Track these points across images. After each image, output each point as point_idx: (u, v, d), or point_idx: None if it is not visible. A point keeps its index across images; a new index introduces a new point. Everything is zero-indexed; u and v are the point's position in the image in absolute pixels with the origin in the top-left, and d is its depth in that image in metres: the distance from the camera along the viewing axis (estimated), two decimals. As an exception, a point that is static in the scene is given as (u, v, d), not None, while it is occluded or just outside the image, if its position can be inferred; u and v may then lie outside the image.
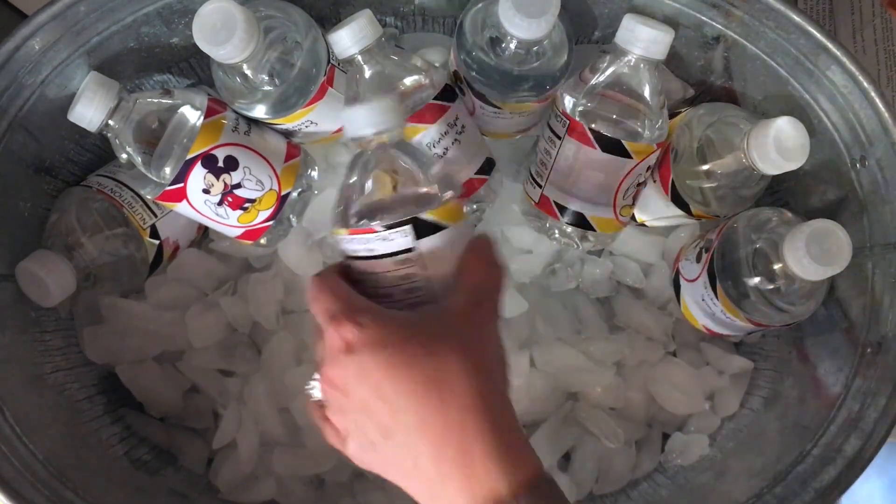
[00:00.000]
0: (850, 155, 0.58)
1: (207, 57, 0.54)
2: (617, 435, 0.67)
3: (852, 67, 0.55)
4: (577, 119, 0.57)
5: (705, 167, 0.60)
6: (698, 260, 0.63)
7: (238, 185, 0.58)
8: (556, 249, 0.69)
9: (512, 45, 0.55)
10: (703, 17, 0.58)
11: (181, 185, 0.57)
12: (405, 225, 0.43)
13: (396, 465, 0.42)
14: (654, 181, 0.61)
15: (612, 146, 0.56)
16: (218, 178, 0.57)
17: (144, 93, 0.58)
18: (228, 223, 0.60)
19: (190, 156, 0.56)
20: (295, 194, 0.62)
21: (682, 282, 0.65)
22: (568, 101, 0.58)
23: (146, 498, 0.64)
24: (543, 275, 0.70)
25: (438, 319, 0.42)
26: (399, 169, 0.46)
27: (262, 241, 0.62)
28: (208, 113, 0.57)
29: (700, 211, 0.61)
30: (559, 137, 0.58)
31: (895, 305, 0.57)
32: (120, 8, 0.56)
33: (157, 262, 0.63)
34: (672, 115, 0.61)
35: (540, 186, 0.60)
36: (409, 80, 0.58)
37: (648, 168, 0.59)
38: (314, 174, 0.65)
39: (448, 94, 0.59)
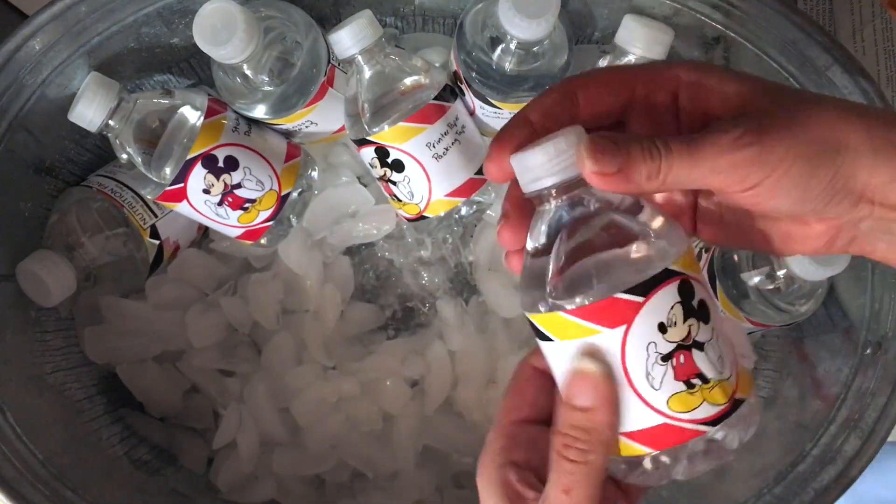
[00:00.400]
0: (849, 155, 0.58)
1: (207, 57, 0.54)
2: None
3: (852, 68, 0.55)
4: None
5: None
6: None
7: (238, 186, 0.58)
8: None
9: (512, 46, 0.55)
10: (703, 17, 0.58)
11: (181, 185, 0.57)
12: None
13: None
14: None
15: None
16: (218, 179, 0.57)
17: (145, 93, 0.58)
18: (228, 223, 0.60)
19: (190, 156, 0.56)
20: (295, 194, 0.62)
21: (682, 282, 0.65)
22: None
23: (146, 498, 0.64)
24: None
25: None
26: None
27: (263, 241, 0.62)
28: (208, 113, 0.57)
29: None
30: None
31: (895, 305, 0.57)
32: (120, 8, 0.56)
33: (157, 262, 0.63)
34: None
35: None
36: (409, 80, 0.58)
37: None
38: (314, 174, 0.65)
39: (448, 94, 0.59)
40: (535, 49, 0.56)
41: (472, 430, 0.67)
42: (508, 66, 0.56)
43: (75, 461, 0.59)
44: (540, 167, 0.33)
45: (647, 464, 0.34)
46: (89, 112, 0.55)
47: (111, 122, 0.56)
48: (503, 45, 0.56)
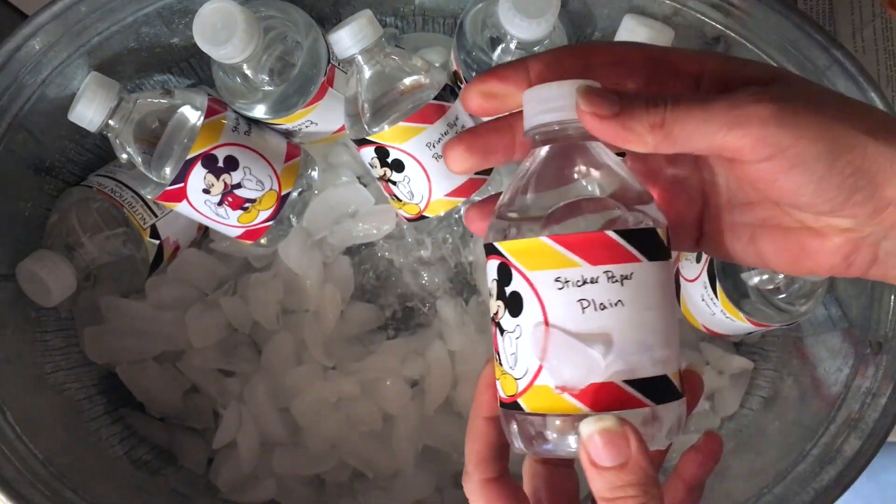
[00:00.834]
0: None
1: (207, 57, 0.54)
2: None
3: (852, 68, 0.55)
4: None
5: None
6: (698, 260, 0.63)
7: (238, 185, 0.58)
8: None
9: (512, 46, 0.55)
10: (703, 17, 0.58)
11: (181, 185, 0.57)
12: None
13: None
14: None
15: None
16: (218, 178, 0.57)
17: (144, 93, 0.58)
18: (228, 223, 0.60)
19: (190, 156, 0.56)
20: (295, 194, 0.62)
21: (682, 282, 0.65)
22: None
23: (146, 498, 0.63)
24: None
25: None
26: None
27: (263, 241, 0.62)
28: (208, 113, 0.57)
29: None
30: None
31: (895, 305, 0.57)
32: (120, 8, 0.56)
33: (157, 262, 0.63)
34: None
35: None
36: (408, 80, 0.58)
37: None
38: (314, 174, 0.65)
39: (448, 94, 0.59)
40: (535, 49, 0.56)
41: (472, 430, 0.67)
42: (508, 65, 0.56)
43: (75, 461, 0.59)
44: (554, 100, 0.33)
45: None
46: (89, 112, 0.55)
47: (111, 122, 0.56)
48: (503, 45, 0.56)
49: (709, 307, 0.62)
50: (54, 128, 0.60)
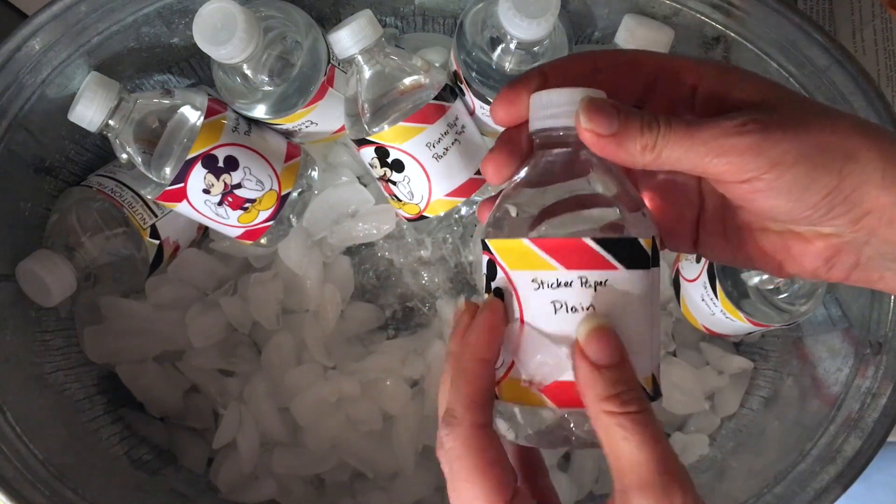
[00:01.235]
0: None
1: (207, 57, 0.54)
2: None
3: (852, 68, 0.55)
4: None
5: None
6: (698, 260, 0.63)
7: (238, 185, 0.58)
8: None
9: (512, 46, 0.55)
10: (703, 17, 0.58)
11: (181, 185, 0.57)
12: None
13: None
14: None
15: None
16: (218, 178, 0.57)
17: (145, 93, 0.58)
18: (228, 223, 0.60)
19: (190, 156, 0.56)
20: (295, 194, 0.62)
21: (682, 282, 0.65)
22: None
23: (146, 498, 0.63)
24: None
25: None
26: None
27: (263, 241, 0.62)
28: (208, 113, 0.57)
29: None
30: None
31: (895, 305, 0.57)
32: (120, 8, 0.56)
33: (157, 262, 0.63)
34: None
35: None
36: (408, 80, 0.58)
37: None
38: (314, 174, 0.65)
39: (448, 94, 0.59)
40: (535, 49, 0.56)
41: (472, 430, 0.67)
42: (508, 66, 0.56)
43: (75, 461, 0.59)
44: (558, 106, 0.34)
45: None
46: (89, 112, 0.55)
47: (111, 122, 0.56)
48: (503, 45, 0.56)
49: (709, 307, 0.62)
50: (54, 128, 0.60)
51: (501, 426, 0.35)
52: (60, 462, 0.57)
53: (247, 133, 0.59)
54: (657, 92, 0.37)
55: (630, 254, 0.33)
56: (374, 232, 0.68)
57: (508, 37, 0.54)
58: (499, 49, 0.56)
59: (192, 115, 0.57)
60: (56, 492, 0.55)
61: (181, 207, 0.59)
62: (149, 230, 0.62)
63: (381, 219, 0.68)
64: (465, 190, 0.59)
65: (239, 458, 0.66)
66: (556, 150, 0.35)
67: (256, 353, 0.69)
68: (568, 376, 0.33)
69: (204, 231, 0.68)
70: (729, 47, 0.59)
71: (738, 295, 0.59)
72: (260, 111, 0.58)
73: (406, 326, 0.71)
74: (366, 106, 0.57)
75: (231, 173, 0.58)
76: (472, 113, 0.61)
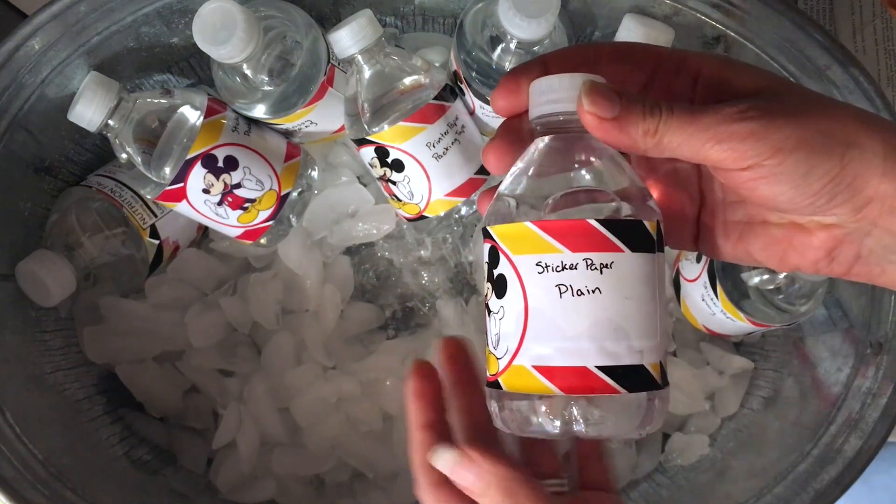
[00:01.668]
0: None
1: (207, 57, 0.54)
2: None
3: (852, 68, 0.55)
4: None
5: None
6: (698, 260, 0.63)
7: (238, 185, 0.58)
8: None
9: (512, 45, 0.55)
10: (703, 17, 0.58)
11: (181, 184, 0.57)
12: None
13: None
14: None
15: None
16: (218, 178, 0.57)
17: (144, 93, 0.58)
18: (228, 223, 0.60)
19: (190, 156, 0.56)
20: (295, 194, 0.62)
21: (683, 282, 0.65)
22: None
23: (146, 498, 0.63)
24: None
25: None
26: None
27: (262, 241, 0.62)
28: (208, 113, 0.57)
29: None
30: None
31: (895, 305, 0.57)
32: (120, 8, 0.56)
33: (157, 262, 0.63)
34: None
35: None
36: (408, 80, 0.58)
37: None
38: (314, 174, 0.65)
39: (448, 93, 0.59)
40: (535, 49, 0.56)
41: (472, 430, 0.67)
42: (508, 65, 0.56)
43: (75, 461, 0.59)
44: (557, 91, 0.34)
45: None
46: (89, 112, 0.55)
47: (111, 122, 0.56)
48: (503, 44, 0.56)
49: (709, 307, 0.62)
50: (54, 128, 0.60)
51: (507, 418, 0.35)
52: (60, 462, 0.57)
53: (246, 133, 0.59)
54: (658, 82, 0.37)
55: (635, 236, 0.33)
56: (374, 232, 0.68)
57: (508, 36, 0.54)
58: (499, 49, 0.56)
59: (192, 114, 0.57)
60: (56, 492, 0.55)
61: (181, 207, 0.59)
62: (148, 230, 0.62)
63: (381, 219, 0.68)
64: (465, 190, 0.59)
65: (239, 459, 0.66)
66: (556, 137, 0.35)
67: (256, 353, 0.69)
68: (574, 361, 0.33)
69: (204, 231, 0.68)
70: (729, 47, 0.59)
71: (739, 295, 0.59)
72: (260, 111, 0.58)
73: (406, 326, 0.71)
74: (366, 106, 0.57)
75: (231, 173, 0.58)
76: (472, 113, 0.61)
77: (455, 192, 0.59)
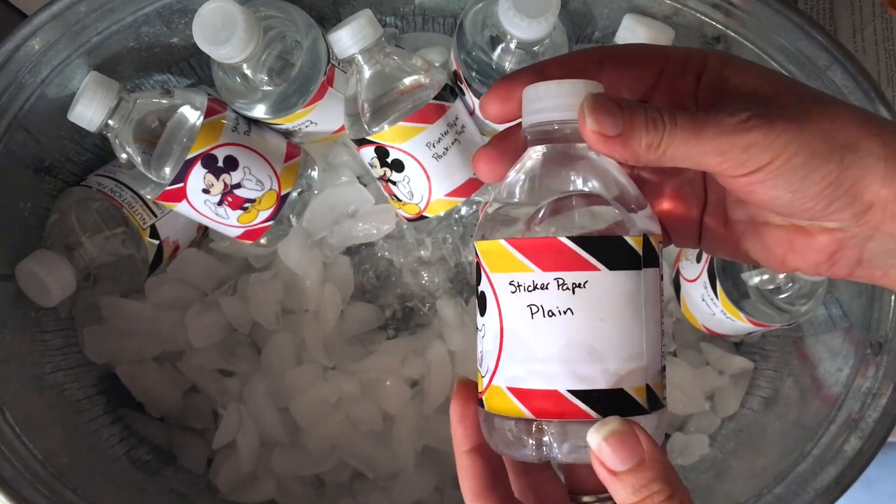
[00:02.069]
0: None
1: (207, 57, 0.54)
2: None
3: (852, 68, 0.55)
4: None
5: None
6: (698, 260, 0.63)
7: (238, 185, 0.58)
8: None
9: (512, 45, 0.55)
10: (703, 17, 0.58)
11: (181, 184, 0.57)
12: None
13: None
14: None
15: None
16: (218, 178, 0.57)
17: (144, 93, 0.58)
18: (228, 223, 0.60)
19: (190, 156, 0.56)
20: (295, 194, 0.62)
21: (682, 282, 0.65)
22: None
23: (146, 498, 0.63)
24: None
25: None
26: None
27: (262, 241, 0.62)
28: (208, 113, 0.57)
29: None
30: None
31: (895, 305, 0.57)
32: (120, 8, 0.56)
33: (157, 262, 0.63)
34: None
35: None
36: (408, 80, 0.58)
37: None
38: (314, 174, 0.65)
39: (448, 93, 0.59)
40: (535, 49, 0.56)
41: (472, 430, 0.67)
42: (508, 65, 0.56)
43: (75, 461, 0.59)
44: (551, 98, 0.33)
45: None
46: (89, 112, 0.55)
47: (111, 122, 0.56)
48: (503, 44, 0.56)
49: (709, 307, 0.62)
50: (54, 128, 0.60)
51: (494, 439, 0.34)
52: (60, 462, 0.57)
53: (246, 133, 0.59)
54: (663, 83, 0.36)
55: (614, 253, 0.31)
56: (374, 232, 0.68)
57: (508, 36, 0.54)
58: (499, 49, 0.56)
59: (192, 114, 0.57)
60: (56, 492, 0.55)
61: (181, 207, 0.59)
62: (148, 230, 0.62)
63: (380, 219, 0.68)
64: (465, 190, 0.59)
65: (239, 459, 0.66)
66: (550, 146, 0.34)
67: (256, 353, 0.69)
68: (545, 384, 0.31)
69: (204, 231, 0.68)
70: (729, 47, 0.59)
71: (739, 295, 0.59)
72: (260, 111, 0.58)
73: (406, 326, 0.71)
74: (366, 106, 0.57)
75: (231, 173, 0.58)
76: (472, 113, 0.61)
77: (455, 193, 0.59)
